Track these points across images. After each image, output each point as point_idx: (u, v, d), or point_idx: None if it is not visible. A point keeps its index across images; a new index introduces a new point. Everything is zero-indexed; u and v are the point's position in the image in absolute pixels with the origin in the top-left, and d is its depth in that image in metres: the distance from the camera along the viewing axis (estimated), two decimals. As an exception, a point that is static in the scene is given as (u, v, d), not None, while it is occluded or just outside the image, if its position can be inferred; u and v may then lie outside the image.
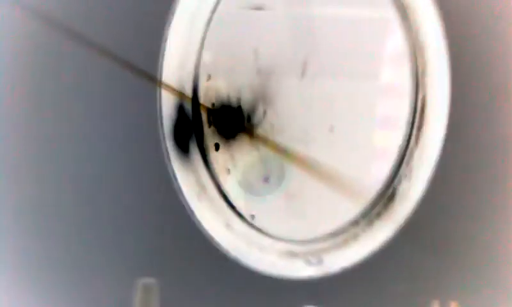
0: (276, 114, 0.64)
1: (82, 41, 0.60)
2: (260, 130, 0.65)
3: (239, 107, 0.64)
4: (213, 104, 0.64)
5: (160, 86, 0.61)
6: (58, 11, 0.62)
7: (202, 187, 0.64)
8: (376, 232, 0.65)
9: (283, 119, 0.64)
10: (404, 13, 0.63)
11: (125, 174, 0.65)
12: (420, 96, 0.64)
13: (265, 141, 0.64)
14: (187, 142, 0.64)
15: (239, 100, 0.64)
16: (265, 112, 0.64)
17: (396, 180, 0.65)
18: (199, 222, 0.64)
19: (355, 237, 0.65)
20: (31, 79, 0.64)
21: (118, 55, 0.60)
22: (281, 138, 0.64)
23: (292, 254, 0.66)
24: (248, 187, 0.65)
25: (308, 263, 0.65)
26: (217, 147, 0.65)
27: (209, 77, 0.64)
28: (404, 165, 0.65)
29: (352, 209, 0.65)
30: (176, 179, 0.63)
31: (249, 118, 0.64)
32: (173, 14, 0.62)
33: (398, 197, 0.65)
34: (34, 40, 0.63)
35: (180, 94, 0.62)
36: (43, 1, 0.62)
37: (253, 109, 0.64)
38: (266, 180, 0.65)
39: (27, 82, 0.64)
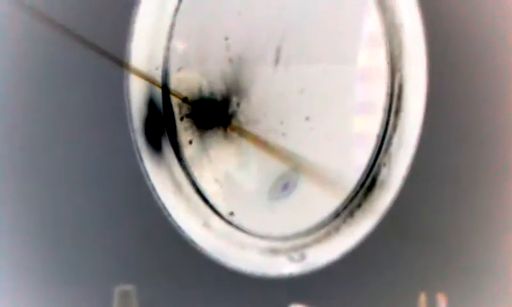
0: (251, 104, 0.62)
1: (52, 26, 0.57)
2: (234, 122, 0.62)
3: (212, 99, 0.62)
4: (185, 97, 0.62)
5: (128, 70, 0.58)
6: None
7: (177, 185, 0.62)
8: (358, 223, 0.64)
9: (257, 109, 0.62)
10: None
11: (95, 173, 0.62)
12: (396, 80, 0.63)
13: (241, 133, 0.62)
14: (159, 138, 0.61)
15: (211, 91, 0.62)
16: (238, 104, 0.62)
17: (375, 169, 0.64)
18: (175, 222, 0.61)
19: (337, 230, 0.64)
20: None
21: (87, 39, 0.57)
22: (257, 129, 0.62)
23: (274, 251, 0.64)
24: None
25: (291, 259, 0.64)
26: (190, 142, 0.62)
27: (180, 69, 0.61)
28: (382, 152, 0.64)
29: (332, 201, 0.64)
30: (149, 178, 0.60)
31: (223, 110, 0.62)
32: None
33: (378, 186, 0.64)
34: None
35: (151, 81, 0.60)
36: None
37: (226, 100, 0.62)
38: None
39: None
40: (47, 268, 0.62)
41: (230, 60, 0.61)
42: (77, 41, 0.57)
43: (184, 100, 0.61)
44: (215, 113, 0.62)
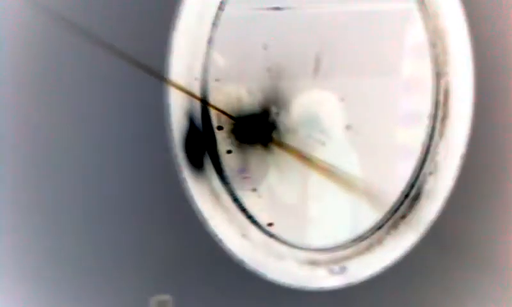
0: (290, 114, 0.62)
1: (92, 40, 0.58)
2: (274, 132, 0.62)
3: (252, 111, 0.61)
4: (223, 109, 0.61)
5: (168, 83, 0.58)
6: (69, 10, 0.60)
7: (216, 196, 0.61)
8: (402, 235, 0.62)
9: (297, 119, 0.62)
10: (423, 2, 0.60)
11: (136, 185, 0.62)
12: (442, 87, 0.61)
13: (280, 144, 0.61)
14: (200, 152, 0.61)
15: (250, 101, 0.61)
16: (278, 113, 0.61)
17: (421, 178, 0.62)
18: (214, 232, 0.60)
19: (380, 242, 0.62)
20: (42, 78, 0.62)
21: (126, 54, 0.58)
22: (296, 139, 0.62)
23: (314, 263, 0.62)
24: None
25: (331, 272, 0.62)
26: (229, 152, 0.62)
27: (218, 79, 0.61)
28: (428, 161, 0.62)
29: (375, 212, 0.62)
30: (188, 189, 0.60)
31: (262, 120, 0.61)
32: (179, 14, 0.59)
33: (424, 197, 0.62)
34: (47, 39, 0.61)
35: (190, 95, 0.60)
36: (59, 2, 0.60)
37: (265, 111, 0.61)
38: None
39: (36, 82, 0.62)
40: (84, 278, 0.62)
41: (269, 70, 0.60)
42: (117, 55, 0.57)
43: (223, 112, 0.61)
44: (254, 124, 0.62)
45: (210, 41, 0.59)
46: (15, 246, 0.62)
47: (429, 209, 0.62)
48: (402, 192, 0.62)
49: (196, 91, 0.60)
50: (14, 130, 0.61)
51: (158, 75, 0.57)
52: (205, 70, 0.60)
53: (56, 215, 0.62)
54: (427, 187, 0.62)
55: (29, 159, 0.61)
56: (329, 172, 0.61)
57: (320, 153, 0.62)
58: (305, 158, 0.61)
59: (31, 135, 0.61)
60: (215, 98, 0.61)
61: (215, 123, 0.61)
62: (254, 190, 0.62)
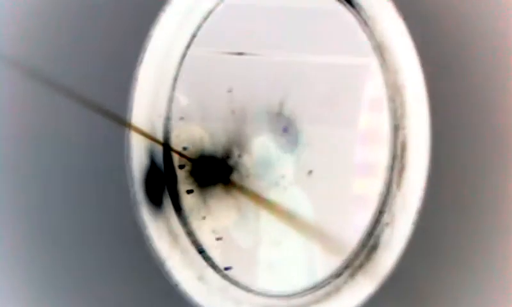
0: (251, 158, 0.62)
1: (48, 83, 0.58)
2: (235, 175, 0.62)
3: (213, 152, 0.62)
4: (184, 148, 0.62)
5: (130, 129, 0.59)
6: (24, 53, 0.60)
7: (174, 236, 0.61)
8: (359, 284, 0.62)
9: (257, 164, 0.63)
10: (383, 57, 0.63)
11: (92, 221, 0.61)
12: (399, 140, 0.63)
13: (240, 188, 0.61)
14: (159, 191, 0.61)
15: (212, 142, 0.62)
16: (240, 156, 0.62)
17: (378, 229, 0.63)
18: (170, 273, 0.59)
19: (337, 290, 0.62)
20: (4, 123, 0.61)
21: (86, 97, 0.58)
22: (258, 183, 0.62)
23: (271, 309, 0.62)
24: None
25: (288, 319, 0.61)
26: (189, 192, 0.62)
27: (182, 118, 0.62)
28: (385, 212, 0.63)
29: (334, 259, 0.62)
30: (147, 227, 0.60)
31: (223, 163, 0.62)
32: (143, 54, 0.61)
33: (381, 247, 0.62)
34: (7, 84, 0.61)
35: (151, 138, 0.60)
36: (19, 46, 0.60)
37: (227, 154, 0.62)
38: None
39: None
40: None
41: (233, 112, 0.61)
42: (74, 97, 0.58)
43: (182, 155, 0.61)
44: (215, 165, 0.62)
45: (175, 79, 0.61)
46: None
47: (387, 259, 0.62)
48: (360, 241, 0.63)
49: (159, 128, 0.61)
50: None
51: (118, 118, 0.58)
52: (169, 108, 0.61)
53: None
54: (385, 237, 0.63)
55: None
56: (288, 217, 0.62)
57: (280, 198, 0.62)
58: (264, 202, 0.62)
59: None
60: (178, 136, 0.61)
61: (176, 162, 0.61)
62: (214, 232, 0.62)
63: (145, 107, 0.60)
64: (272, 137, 0.62)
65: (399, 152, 0.63)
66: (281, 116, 0.61)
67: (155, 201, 0.60)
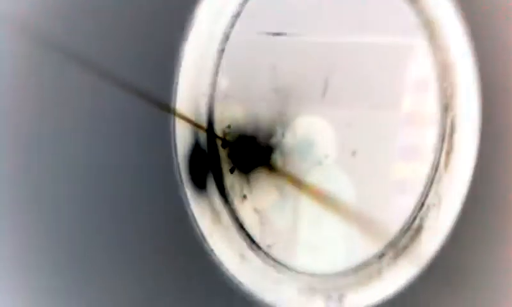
0: (296, 136, 0.62)
1: (93, 69, 0.59)
2: (277, 155, 0.62)
3: (256, 133, 0.62)
4: (228, 126, 0.62)
5: (174, 115, 0.59)
6: (70, 40, 0.61)
7: (216, 214, 0.61)
8: (402, 268, 0.61)
9: (302, 142, 0.62)
10: (432, 35, 0.61)
11: (137, 201, 0.62)
12: (449, 120, 0.61)
13: (280, 169, 0.61)
14: (203, 171, 0.61)
15: (255, 125, 0.62)
16: (283, 136, 0.61)
17: (423, 210, 0.61)
18: (212, 252, 0.60)
19: (379, 273, 0.61)
20: (44, 109, 0.63)
21: (130, 84, 0.59)
22: (301, 163, 0.62)
23: (312, 290, 0.62)
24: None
25: (329, 299, 0.61)
26: (232, 170, 0.62)
27: (225, 99, 0.62)
28: (432, 193, 0.61)
29: (376, 242, 0.62)
30: (189, 205, 0.60)
31: (266, 143, 0.62)
32: (186, 40, 0.61)
33: (425, 230, 0.61)
34: (48, 69, 0.62)
35: (195, 124, 0.60)
36: (60, 30, 0.61)
37: (270, 133, 0.62)
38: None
39: (37, 113, 0.63)
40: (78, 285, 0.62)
41: (276, 91, 0.61)
42: (119, 83, 0.58)
43: (227, 131, 0.61)
44: (257, 145, 0.62)
45: (218, 59, 0.60)
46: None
47: (431, 242, 0.61)
48: (404, 224, 0.62)
49: (203, 106, 0.61)
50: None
51: (163, 105, 0.58)
52: (213, 87, 0.61)
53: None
54: (430, 219, 0.61)
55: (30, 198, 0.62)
56: (328, 201, 0.61)
57: (322, 179, 0.62)
58: (304, 185, 0.61)
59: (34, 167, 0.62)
60: (221, 115, 0.62)
61: (219, 142, 0.62)
62: (255, 210, 0.62)
63: (189, 86, 0.60)
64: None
65: (447, 133, 0.61)
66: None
67: (199, 181, 0.61)
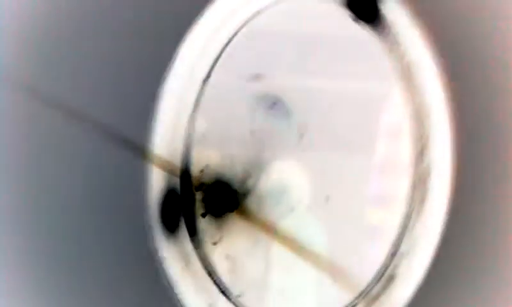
0: (269, 181, 0.61)
1: (66, 109, 0.58)
2: (251, 200, 0.61)
3: (230, 177, 0.61)
4: (203, 170, 0.61)
5: (148, 157, 0.59)
6: (44, 83, 0.60)
7: (186, 259, 0.59)
8: (375, 317, 0.60)
9: (270, 190, 0.62)
10: (408, 81, 0.62)
11: (105, 242, 0.60)
12: (422, 166, 0.61)
13: (253, 215, 0.60)
14: (175, 217, 0.60)
15: (230, 168, 0.61)
16: (257, 180, 0.61)
17: (396, 258, 0.61)
18: (181, 298, 0.58)
19: (352, 322, 0.60)
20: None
21: (105, 124, 0.58)
22: (274, 208, 0.61)
23: (282, 340, 0.60)
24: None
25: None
26: (204, 215, 0.61)
27: (202, 142, 0.61)
28: (404, 241, 0.61)
29: (348, 291, 0.61)
30: (159, 249, 0.59)
31: (240, 187, 0.61)
32: (165, 81, 0.60)
33: (398, 278, 0.61)
34: (13, 106, 0.61)
35: (169, 167, 0.60)
36: (26, 72, 0.60)
37: (245, 177, 0.61)
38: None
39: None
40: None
41: (253, 133, 0.60)
42: (94, 126, 0.58)
43: (200, 174, 0.60)
44: (231, 190, 0.61)
45: (196, 103, 0.60)
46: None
47: (404, 290, 0.61)
48: (377, 273, 0.61)
49: (180, 148, 0.60)
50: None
51: (137, 147, 0.58)
52: (190, 131, 0.60)
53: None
54: (402, 268, 0.61)
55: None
56: (299, 249, 0.60)
57: (294, 226, 0.61)
58: (276, 232, 0.61)
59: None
60: (198, 158, 0.61)
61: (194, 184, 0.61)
62: (227, 256, 0.61)
63: (166, 128, 0.60)
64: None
65: (421, 181, 0.61)
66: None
67: (170, 224, 0.59)
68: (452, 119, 0.60)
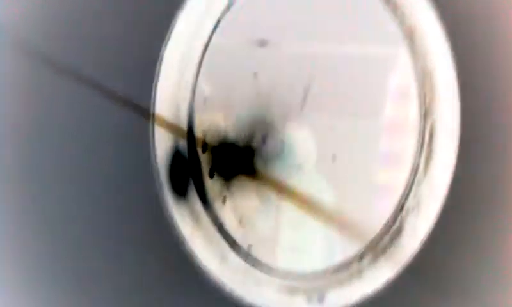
0: (276, 140, 0.62)
1: (71, 74, 0.58)
2: (258, 160, 0.62)
3: (236, 138, 0.62)
4: (209, 131, 0.62)
5: (154, 120, 0.59)
6: (47, 44, 0.60)
7: (196, 217, 0.62)
8: (381, 269, 0.62)
9: (279, 150, 0.62)
10: (412, 43, 0.61)
11: (116, 206, 0.63)
12: (428, 126, 0.61)
13: (261, 174, 0.62)
14: (183, 179, 0.62)
15: (236, 130, 0.62)
16: (264, 139, 0.61)
17: (403, 213, 0.62)
18: (192, 254, 0.61)
19: (359, 273, 0.62)
20: (15, 112, 0.62)
21: (109, 88, 0.58)
22: (281, 167, 0.62)
23: (293, 290, 0.62)
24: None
25: (310, 300, 0.62)
26: (211, 174, 0.62)
27: (205, 105, 0.62)
28: (411, 197, 0.62)
29: (356, 243, 0.62)
30: (169, 209, 0.61)
31: (247, 147, 0.62)
32: (167, 44, 0.60)
33: (405, 232, 0.62)
34: (20, 72, 0.62)
35: (175, 128, 0.60)
36: (30, 32, 0.60)
37: (251, 138, 0.62)
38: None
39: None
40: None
41: (258, 96, 0.61)
42: (96, 87, 0.58)
43: (207, 136, 0.61)
44: (237, 150, 0.62)
45: (199, 66, 0.60)
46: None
47: (411, 244, 0.61)
48: (384, 226, 0.62)
49: (184, 112, 0.61)
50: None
51: (142, 110, 0.58)
52: (193, 93, 0.61)
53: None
54: (409, 222, 0.62)
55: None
56: (308, 205, 0.62)
57: (302, 184, 0.62)
58: (284, 189, 0.62)
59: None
60: (202, 120, 0.62)
61: (200, 146, 0.62)
62: (236, 213, 0.62)
63: (169, 91, 0.60)
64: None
65: (427, 139, 0.61)
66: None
67: (179, 186, 0.61)
68: (457, 79, 0.59)
